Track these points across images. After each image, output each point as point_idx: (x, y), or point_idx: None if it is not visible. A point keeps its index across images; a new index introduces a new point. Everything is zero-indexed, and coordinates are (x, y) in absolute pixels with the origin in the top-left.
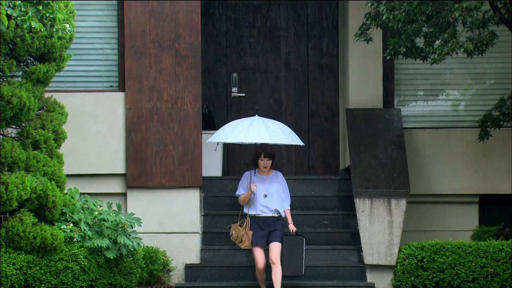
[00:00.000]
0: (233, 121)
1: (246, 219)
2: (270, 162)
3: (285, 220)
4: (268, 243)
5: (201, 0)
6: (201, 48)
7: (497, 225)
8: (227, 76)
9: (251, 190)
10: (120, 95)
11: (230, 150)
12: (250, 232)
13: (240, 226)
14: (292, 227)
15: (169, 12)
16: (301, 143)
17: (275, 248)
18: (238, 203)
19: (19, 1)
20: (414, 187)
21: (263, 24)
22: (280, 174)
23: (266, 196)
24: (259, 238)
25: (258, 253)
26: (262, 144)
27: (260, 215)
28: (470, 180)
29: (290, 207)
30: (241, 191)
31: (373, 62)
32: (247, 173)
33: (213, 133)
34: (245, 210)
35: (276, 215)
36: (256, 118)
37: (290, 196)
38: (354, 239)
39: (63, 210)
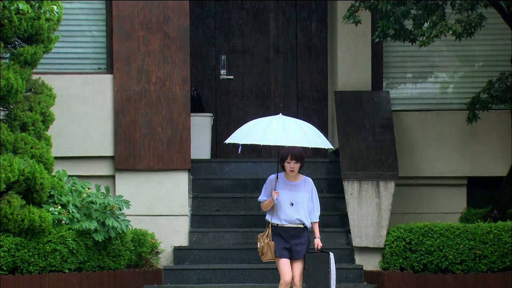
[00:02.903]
0: (253, 120)
1: (268, 228)
2: (298, 165)
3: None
4: (290, 257)
5: None
6: (189, 30)
7: (485, 207)
8: (216, 58)
9: (272, 198)
10: (108, 77)
11: (219, 133)
12: (272, 243)
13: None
14: (317, 242)
15: None
16: (329, 146)
17: (298, 267)
18: (227, 186)
19: None
20: (402, 169)
21: (251, 6)
22: (309, 181)
23: (292, 204)
24: (283, 250)
25: (284, 264)
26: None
27: (284, 226)
28: (459, 163)
29: None
30: (263, 197)
31: (361, 45)
32: (272, 177)
33: (202, 116)
34: (268, 218)
35: (301, 226)
36: (278, 117)
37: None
38: (342, 222)
39: (51, 193)
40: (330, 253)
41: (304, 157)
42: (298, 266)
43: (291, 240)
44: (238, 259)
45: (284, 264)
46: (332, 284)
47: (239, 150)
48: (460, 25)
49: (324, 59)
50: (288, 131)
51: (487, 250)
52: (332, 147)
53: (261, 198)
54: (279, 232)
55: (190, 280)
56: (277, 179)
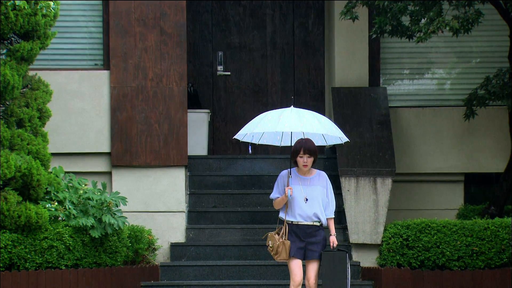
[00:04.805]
0: (264, 113)
1: (283, 226)
2: (311, 159)
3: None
4: (305, 257)
5: None
6: (186, 27)
7: (482, 203)
8: (213, 54)
9: (285, 194)
10: (105, 74)
11: (216, 129)
12: (288, 243)
13: (278, 234)
14: (333, 240)
15: None
16: (344, 139)
17: (313, 267)
18: (224, 182)
19: None
20: (399, 166)
21: (248, 2)
22: (324, 175)
23: (307, 200)
24: (297, 250)
25: (295, 265)
26: (301, 139)
27: (299, 223)
28: (456, 159)
29: None
30: (275, 194)
31: (359, 41)
32: (284, 173)
33: (199, 112)
34: (281, 215)
35: (317, 223)
36: (290, 108)
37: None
38: (339, 218)
39: (48, 189)
40: (346, 252)
41: (317, 151)
42: (313, 266)
43: (306, 238)
44: (235, 256)
45: (295, 265)
46: (348, 284)
47: (249, 150)
48: (457, 21)
49: (321, 56)
50: (303, 119)
51: (484, 247)
52: (347, 139)
53: (273, 195)
54: (294, 230)
55: (187, 276)
56: (290, 174)
